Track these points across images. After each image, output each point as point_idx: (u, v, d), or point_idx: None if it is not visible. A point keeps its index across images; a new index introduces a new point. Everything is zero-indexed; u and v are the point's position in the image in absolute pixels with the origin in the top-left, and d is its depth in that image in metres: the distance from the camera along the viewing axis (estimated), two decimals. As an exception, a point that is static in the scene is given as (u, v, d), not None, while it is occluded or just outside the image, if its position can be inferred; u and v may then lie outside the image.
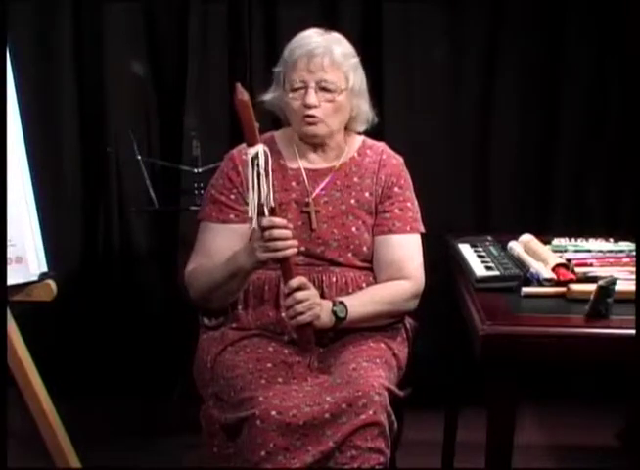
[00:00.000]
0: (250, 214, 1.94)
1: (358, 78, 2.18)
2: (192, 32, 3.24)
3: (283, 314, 2.06)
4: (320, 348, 2.11)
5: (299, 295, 1.96)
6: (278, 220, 1.95)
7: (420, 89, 3.28)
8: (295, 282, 1.97)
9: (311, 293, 1.99)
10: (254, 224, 1.95)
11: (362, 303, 2.10)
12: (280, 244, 1.94)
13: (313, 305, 1.97)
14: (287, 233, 1.95)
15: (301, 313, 1.96)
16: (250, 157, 1.92)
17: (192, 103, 3.26)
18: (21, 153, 2.36)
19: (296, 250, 1.98)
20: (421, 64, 3.27)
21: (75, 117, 3.32)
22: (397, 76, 3.26)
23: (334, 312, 2.03)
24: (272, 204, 1.93)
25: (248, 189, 1.94)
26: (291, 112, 2.16)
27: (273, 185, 1.95)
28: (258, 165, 1.91)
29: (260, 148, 1.92)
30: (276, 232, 1.93)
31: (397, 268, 2.16)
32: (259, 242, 1.96)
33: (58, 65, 3.28)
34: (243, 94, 1.90)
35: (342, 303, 2.05)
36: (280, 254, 1.95)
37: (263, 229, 1.94)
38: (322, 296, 2.11)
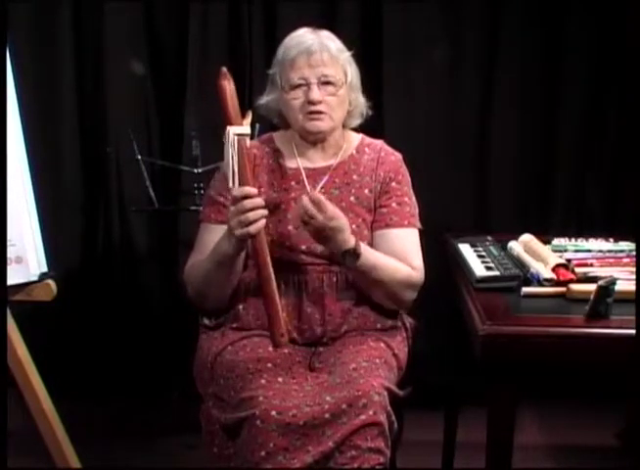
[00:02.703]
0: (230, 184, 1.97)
1: (354, 72, 2.19)
2: (192, 32, 3.24)
3: (284, 314, 2.05)
4: (320, 347, 2.11)
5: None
6: (248, 189, 1.95)
7: (420, 89, 3.28)
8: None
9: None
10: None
11: (378, 256, 2.09)
12: (251, 215, 1.93)
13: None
14: (259, 201, 1.95)
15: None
16: (231, 133, 1.95)
17: (192, 103, 3.26)
18: (21, 153, 2.36)
19: (264, 221, 1.97)
20: (421, 64, 3.27)
21: (75, 117, 3.32)
22: (397, 76, 3.26)
23: (350, 240, 2.02)
24: (237, 183, 1.95)
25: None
26: (292, 111, 2.15)
27: (251, 169, 1.98)
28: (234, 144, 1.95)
29: (232, 129, 1.94)
30: (247, 203, 1.94)
31: (399, 261, 2.14)
32: (233, 219, 1.96)
33: (58, 65, 3.27)
34: (226, 75, 1.94)
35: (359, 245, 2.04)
36: (253, 227, 1.94)
37: (235, 200, 1.94)
38: (322, 296, 2.12)
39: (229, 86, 1.97)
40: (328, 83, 2.12)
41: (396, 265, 2.12)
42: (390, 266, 2.10)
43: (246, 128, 1.99)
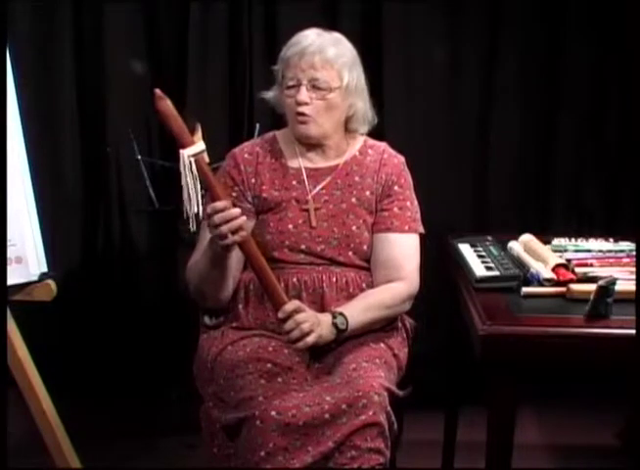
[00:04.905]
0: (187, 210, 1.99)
1: (354, 77, 2.17)
2: (192, 32, 3.24)
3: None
4: (320, 348, 2.11)
5: (300, 317, 1.95)
6: (219, 204, 1.94)
7: (420, 89, 3.28)
8: (290, 306, 1.96)
9: (309, 314, 1.97)
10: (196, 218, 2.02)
11: (361, 310, 2.09)
12: (225, 228, 1.92)
13: (314, 325, 1.96)
14: (229, 214, 1.93)
15: (307, 334, 1.95)
16: (186, 156, 1.94)
17: (192, 103, 3.25)
18: (21, 153, 2.36)
19: (244, 233, 1.96)
20: (421, 64, 3.27)
21: (75, 117, 3.32)
22: (397, 76, 3.26)
23: (334, 324, 2.02)
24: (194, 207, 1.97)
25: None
26: (286, 110, 2.18)
27: (219, 182, 2.02)
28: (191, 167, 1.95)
29: (185, 152, 1.94)
30: (216, 218, 1.93)
31: (394, 268, 2.15)
32: (212, 231, 1.96)
33: (58, 65, 3.27)
34: (161, 97, 1.92)
35: (341, 314, 2.04)
36: (228, 241, 1.94)
37: (208, 217, 1.95)
38: (322, 296, 2.12)
39: (168, 107, 1.93)
40: (317, 87, 2.12)
41: (383, 297, 2.12)
42: (378, 304, 2.11)
43: (199, 146, 1.95)
